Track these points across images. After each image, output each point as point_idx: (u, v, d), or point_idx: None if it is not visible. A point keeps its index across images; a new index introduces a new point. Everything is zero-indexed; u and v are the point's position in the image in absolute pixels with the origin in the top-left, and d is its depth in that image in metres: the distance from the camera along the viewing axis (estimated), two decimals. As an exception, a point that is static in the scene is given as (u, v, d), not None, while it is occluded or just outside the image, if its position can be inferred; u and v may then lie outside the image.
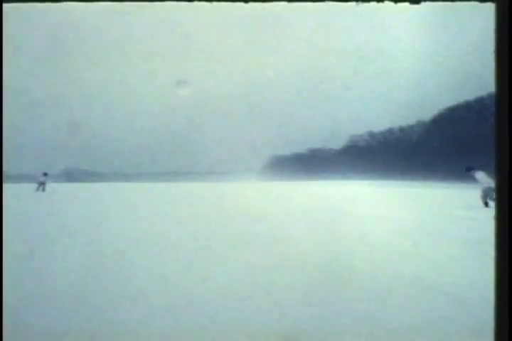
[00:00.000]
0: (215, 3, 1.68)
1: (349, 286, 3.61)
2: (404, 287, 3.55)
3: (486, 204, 11.79)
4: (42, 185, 23.97)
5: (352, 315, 2.88)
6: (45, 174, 24.40)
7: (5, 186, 26.56)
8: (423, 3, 1.48)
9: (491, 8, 1.43)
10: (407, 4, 1.48)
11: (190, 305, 3.09)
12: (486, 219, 8.36)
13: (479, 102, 58.42)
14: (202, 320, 2.80)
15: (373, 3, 1.50)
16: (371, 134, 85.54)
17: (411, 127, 76.26)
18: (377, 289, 3.49)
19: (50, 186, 26.06)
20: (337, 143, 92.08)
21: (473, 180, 12.41)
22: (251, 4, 1.66)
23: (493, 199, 11.40)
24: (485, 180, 11.78)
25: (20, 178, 59.21)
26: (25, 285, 3.66)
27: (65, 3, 1.72)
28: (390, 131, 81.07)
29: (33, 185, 25.21)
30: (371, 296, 3.29)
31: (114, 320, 2.80)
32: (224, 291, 3.45)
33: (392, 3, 1.49)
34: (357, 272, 4.11)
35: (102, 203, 15.71)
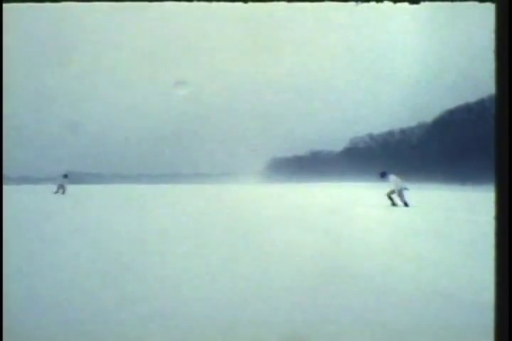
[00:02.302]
0: (214, 3, 1.68)
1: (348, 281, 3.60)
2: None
3: (406, 204, 12.34)
4: (61, 187, 22.52)
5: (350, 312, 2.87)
6: (66, 176, 22.79)
7: (18, 188, 26.24)
8: (422, 3, 1.48)
9: (491, 8, 1.43)
10: (406, 4, 1.48)
11: (189, 305, 3.08)
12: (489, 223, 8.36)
13: (480, 104, 58.26)
14: (201, 321, 2.79)
15: (373, 3, 1.50)
16: (371, 136, 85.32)
17: (411, 129, 76.04)
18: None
19: (53, 187, 23.60)
20: (337, 146, 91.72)
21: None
22: (251, 4, 1.66)
23: (402, 198, 12.54)
24: (396, 181, 12.70)
25: (21, 180, 59.22)
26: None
27: (65, 3, 1.72)
28: (391, 133, 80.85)
29: (35, 187, 24.71)
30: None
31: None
32: (225, 292, 3.44)
33: (391, 3, 1.48)
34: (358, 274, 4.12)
35: (115, 205, 16.06)
